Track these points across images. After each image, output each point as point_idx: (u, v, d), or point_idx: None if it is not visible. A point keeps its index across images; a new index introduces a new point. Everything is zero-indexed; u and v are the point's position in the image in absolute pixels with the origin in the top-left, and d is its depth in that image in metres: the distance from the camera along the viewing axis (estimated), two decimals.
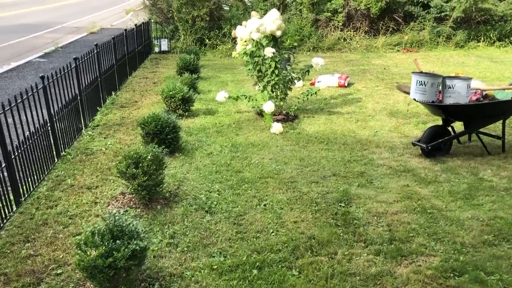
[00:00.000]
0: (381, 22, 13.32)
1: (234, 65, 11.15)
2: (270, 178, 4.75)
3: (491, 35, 13.14)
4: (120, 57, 8.57)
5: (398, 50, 12.91)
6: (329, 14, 13.42)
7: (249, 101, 6.94)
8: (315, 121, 6.79)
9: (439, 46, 13.12)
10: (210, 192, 4.43)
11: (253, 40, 6.60)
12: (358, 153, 5.52)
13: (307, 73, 7.05)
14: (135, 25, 10.39)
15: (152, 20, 13.27)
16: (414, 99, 5.32)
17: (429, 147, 5.22)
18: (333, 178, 4.77)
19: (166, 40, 12.58)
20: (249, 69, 6.73)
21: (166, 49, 12.55)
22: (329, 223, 3.87)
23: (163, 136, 5.26)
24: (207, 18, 12.55)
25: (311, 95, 6.99)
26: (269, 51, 6.35)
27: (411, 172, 4.92)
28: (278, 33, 6.61)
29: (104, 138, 5.98)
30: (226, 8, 13.76)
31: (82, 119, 6.21)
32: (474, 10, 12.86)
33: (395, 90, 8.56)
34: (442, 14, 13.13)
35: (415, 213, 4.04)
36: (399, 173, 4.91)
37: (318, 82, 8.98)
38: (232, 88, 8.69)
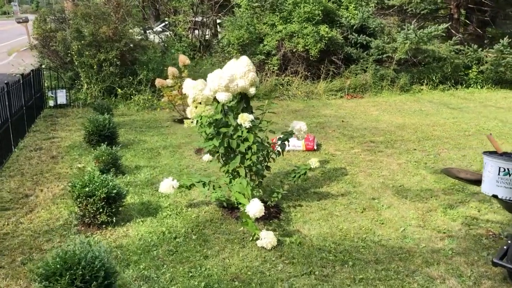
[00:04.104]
0: (321, 66, 11.79)
1: (158, 121, 8.72)
2: None
3: (434, 78, 12.24)
4: None
5: (342, 96, 11.42)
6: (263, 57, 11.61)
7: (208, 189, 4.63)
8: (307, 213, 4.66)
9: (384, 91, 11.89)
10: None
11: (216, 101, 4.37)
12: (409, 283, 3.46)
13: (287, 142, 4.96)
14: (22, 74, 7.56)
15: (44, 66, 10.38)
16: (495, 196, 3.43)
17: None
18: None
19: (64, 90, 9.76)
20: (212, 146, 4.41)
21: (64, 102, 9.71)
22: None
23: None
24: (118, 63, 9.99)
25: (299, 176, 4.87)
26: (246, 119, 4.14)
27: None
28: (252, 91, 4.45)
29: None
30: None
31: None
32: (415, 51, 11.89)
33: (377, 153, 6.76)
34: (384, 56, 11.99)
35: None
36: None
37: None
38: (168, 160, 6.27)
